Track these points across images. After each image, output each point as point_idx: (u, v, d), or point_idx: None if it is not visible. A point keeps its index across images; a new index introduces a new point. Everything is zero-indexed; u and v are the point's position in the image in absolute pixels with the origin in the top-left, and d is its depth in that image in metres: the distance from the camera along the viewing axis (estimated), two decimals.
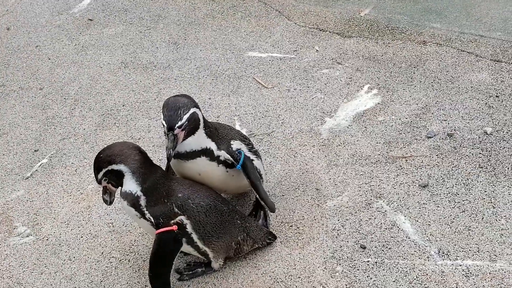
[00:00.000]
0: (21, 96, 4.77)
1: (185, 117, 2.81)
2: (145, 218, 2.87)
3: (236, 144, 3.11)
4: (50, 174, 3.96)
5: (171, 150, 2.82)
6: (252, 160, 3.19)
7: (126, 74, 4.85)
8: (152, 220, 2.85)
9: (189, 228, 2.89)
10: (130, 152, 2.84)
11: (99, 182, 2.90)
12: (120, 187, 2.92)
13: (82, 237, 3.50)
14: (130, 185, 2.84)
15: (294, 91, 4.38)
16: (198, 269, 3.16)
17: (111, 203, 3.01)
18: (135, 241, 3.42)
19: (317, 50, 4.81)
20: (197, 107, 2.91)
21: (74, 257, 3.39)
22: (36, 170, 4.02)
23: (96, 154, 2.86)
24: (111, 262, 3.32)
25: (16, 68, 5.12)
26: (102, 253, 3.39)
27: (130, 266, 3.28)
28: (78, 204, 3.72)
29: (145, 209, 2.85)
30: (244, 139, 3.23)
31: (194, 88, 4.56)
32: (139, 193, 2.84)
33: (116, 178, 2.86)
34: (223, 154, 3.01)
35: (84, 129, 4.31)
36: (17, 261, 3.41)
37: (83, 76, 4.89)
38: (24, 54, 5.29)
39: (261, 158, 3.33)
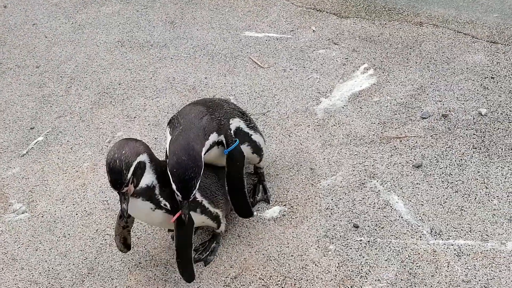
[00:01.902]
0: (17, 74, 4.77)
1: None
2: (160, 207, 2.81)
3: (235, 122, 3.10)
4: (46, 152, 3.98)
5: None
6: (251, 135, 3.19)
7: (123, 53, 4.84)
8: (168, 206, 2.82)
9: (198, 197, 2.90)
10: (139, 143, 2.74)
11: (128, 183, 2.62)
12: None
13: (77, 214, 3.52)
14: (148, 177, 2.74)
15: (290, 71, 4.39)
16: (212, 245, 3.19)
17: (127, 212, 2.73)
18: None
19: (313, 31, 4.80)
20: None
21: (69, 234, 3.41)
22: (32, 147, 4.03)
23: (109, 157, 2.61)
24: (105, 240, 3.35)
25: (13, 46, 5.11)
26: (96, 230, 3.41)
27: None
28: (73, 181, 3.74)
29: (159, 196, 2.79)
30: (243, 115, 3.21)
31: (190, 67, 4.56)
32: (155, 181, 2.77)
33: (140, 172, 2.70)
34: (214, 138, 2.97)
35: (80, 107, 4.32)
36: (12, 237, 3.43)
37: (79, 55, 4.89)
38: (20, 32, 5.28)
39: (260, 132, 3.31)
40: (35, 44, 5.10)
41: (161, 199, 2.79)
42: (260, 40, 4.78)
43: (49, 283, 3.18)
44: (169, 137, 2.88)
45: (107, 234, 3.38)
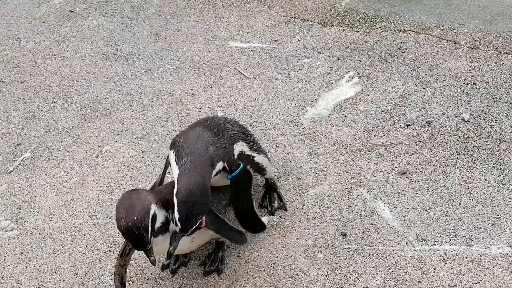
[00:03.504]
0: (2, 89, 4.76)
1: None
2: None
3: (238, 147, 3.10)
4: (33, 168, 3.97)
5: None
6: (253, 157, 3.19)
7: (108, 66, 4.85)
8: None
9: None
10: (143, 195, 2.69)
11: (150, 240, 2.61)
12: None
13: (66, 230, 3.51)
14: (160, 216, 2.71)
15: (275, 81, 4.42)
16: (219, 254, 3.18)
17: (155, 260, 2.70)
18: (119, 233, 3.38)
19: (298, 40, 4.84)
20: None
21: (59, 250, 3.40)
22: (19, 164, 4.02)
23: (122, 224, 2.56)
24: (95, 255, 3.35)
25: None
26: (86, 245, 3.40)
27: (114, 258, 3.28)
28: (61, 197, 3.73)
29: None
30: (246, 138, 3.21)
31: (176, 79, 4.58)
32: (166, 214, 2.74)
33: (155, 223, 2.66)
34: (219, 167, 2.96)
35: (67, 122, 4.32)
36: (1, 255, 3.42)
37: (64, 69, 4.89)
38: (4, 47, 5.28)
39: (263, 153, 3.31)
40: (19, 59, 5.10)
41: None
42: (245, 51, 4.81)
43: None
44: (174, 164, 2.85)
45: (96, 249, 3.37)
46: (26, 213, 3.65)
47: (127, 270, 3.07)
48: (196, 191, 2.68)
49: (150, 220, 2.59)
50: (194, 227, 2.70)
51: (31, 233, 3.52)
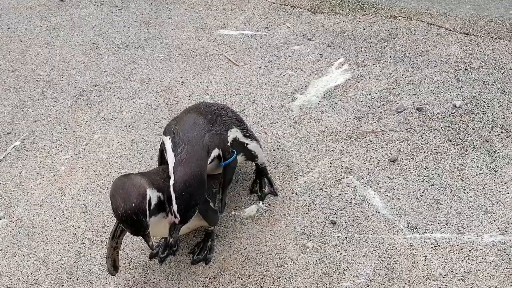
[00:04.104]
0: None
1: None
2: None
3: (232, 133, 3.11)
4: (23, 157, 3.96)
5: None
6: (247, 144, 3.21)
7: (98, 55, 4.82)
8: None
9: None
10: (137, 180, 2.68)
11: (148, 225, 2.62)
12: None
13: (55, 218, 3.51)
14: (154, 197, 2.71)
15: (265, 69, 4.39)
16: (207, 243, 3.18)
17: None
18: (107, 221, 3.43)
19: (288, 27, 4.81)
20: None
21: (47, 239, 3.40)
22: (9, 152, 4.00)
23: (119, 211, 2.56)
24: (84, 243, 3.34)
25: None
26: (75, 234, 3.40)
27: (103, 247, 3.29)
28: (51, 186, 3.72)
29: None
30: (240, 124, 3.23)
31: (165, 67, 4.55)
32: (159, 195, 2.75)
33: (150, 205, 2.67)
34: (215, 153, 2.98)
35: (57, 110, 4.30)
36: None
37: (55, 58, 4.86)
38: None
39: (256, 140, 3.33)
40: (10, 48, 5.06)
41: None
42: (235, 38, 4.78)
43: None
44: (171, 152, 2.85)
45: (85, 238, 3.37)
46: (16, 202, 3.65)
47: (119, 253, 3.05)
48: (193, 183, 2.71)
49: (147, 204, 2.59)
50: (192, 217, 2.75)
51: (20, 222, 3.52)
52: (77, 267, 3.22)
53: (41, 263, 3.28)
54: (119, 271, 3.05)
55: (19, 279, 3.21)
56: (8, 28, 5.32)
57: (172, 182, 2.71)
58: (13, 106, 4.39)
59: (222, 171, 3.08)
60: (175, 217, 2.70)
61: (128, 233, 2.80)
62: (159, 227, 2.78)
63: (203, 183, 2.77)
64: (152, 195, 2.68)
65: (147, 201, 2.61)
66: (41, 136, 4.09)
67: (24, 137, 4.11)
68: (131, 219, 2.55)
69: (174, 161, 2.79)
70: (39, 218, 3.52)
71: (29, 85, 4.59)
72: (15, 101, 4.45)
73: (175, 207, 2.67)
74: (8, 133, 4.16)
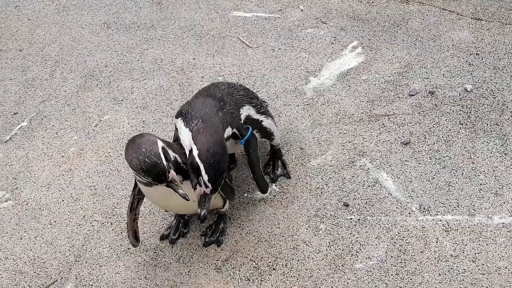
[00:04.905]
0: None
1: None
2: (186, 177, 2.76)
3: (244, 111, 3.10)
4: (30, 137, 3.94)
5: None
6: (261, 121, 3.20)
7: (109, 35, 4.81)
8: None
9: None
10: (145, 134, 2.69)
11: (169, 169, 2.59)
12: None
13: (63, 200, 3.50)
14: (171, 155, 2.69)
15: (278, 51, 4.38)
16: (220, 225, 3.18)
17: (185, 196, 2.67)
18: (117, 204, 3.43)
19: (301, 10, 4.79)
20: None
21: (55, 221, 3.38)
22: (16, 133, 3.99)
23: (136, 162, 2.56)
24: (93, 226, 3.33)
25: None
26: (83, 216, 3.39)
27: (112, 229, 3.29)
28: (59, 167, 3.71)
29: (184, 165, 2.75)
30: (251, 101, 3.20)
31: (178, 48, 4.54)
32: (175, 155, 2.73)
33: (167, 156, 2.64)
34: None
35: (65, 91, 4.29)
36: None
37: (64, 37, 4.85)
38: (2, 15, 5.22)
39: (271, 116, 3.32)
40: (18, 26, 5.05)
41: (185, 167, 2.76)
42: (248, 20, 4.76)
43: (35, 272, 3.14)
44: (184, 128, 2.82)
45: (94, 220, 3.36)
46: (22, 183, 3.63)
47: (139, 224, 3.07)
48: (218, 150, 2.68)
49: (160, 149, 2.58)
50: (222, 184, 2.73)
51: (27, 204, 3.50)
52: (86, 250, 3.21)
53: (49, 246, 3.26)
54: (140, 242, 3.08)
55: (25, 262, 3.19)
56: (16, 6, 5.30)
57: (196, 152, 2.66)
58: (20, 86, 4.38)
59: (245, 150, 3.06)
60: (206, 187, 2.65)
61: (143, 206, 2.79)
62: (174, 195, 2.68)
63: (226, 148, 2.75)
64: (165, 147, 2.65)
65: (160, 147, 2.59)
66: (49, 117, 4.08)
67: (32, 117, 4.10)
68: (146, 164, 2.52)
69: (191, 133, 2.75)
70: (47, 200, 3.51)
71: (37, 65, 4.58)
72: (22, 80, 4.44)
73: (205, 177, 2.62)
74: (14, 114, 4.14)
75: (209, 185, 2.63)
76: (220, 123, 2.85)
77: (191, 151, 2.69)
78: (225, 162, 2.70)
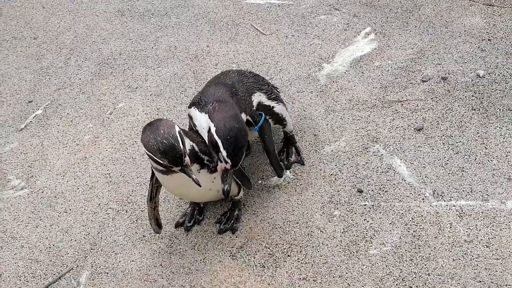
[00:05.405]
0: (14, 46, 4.76)
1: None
2: (203, 165, 2.80)
3: (256, 98, 3.12)
4: (45, 126, 3.97)
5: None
6: (273, 107, 3.21)
7: (123, 22, 4.83)
8: (210, 162, 2.82)
9: None
10: (162, 119, 2.69)
11: (185, 153, 2.58)
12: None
13: (78, 188, 3.52)
14: (187, 142, 2.70)
15: (292, 38, 4.39)
16: (234, 213, 3.20)
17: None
18: (132, 191, 3.45)
19: None
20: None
21: (70, 209, 3.41)
22: (31, 121, 4.02)
23: (152, 144, 2.55)
24: (108, 214, 3.35)
25: (9, 17, 5.09)
26: (99, 204, 3.41)
27: (128, 217, 3.31)
28: (74, 155, 3.73)
29: (201, 154, 2.78)
30: (262, 87, 3.21)
31: (191, 36, 4.56)
32: (192, 143, 2.75)
33: (183, 140, 2.62)
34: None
35: (80, 78, 4.32)
36: (11, 214, 3.42)
37: (78, 25, 4.87)
38: (17, 3, 5.25)
39: (281, 101, 3.33)
40: (33, 14, 5.07)
41: (203, 156, 2.79)
42: (262, 7, 4.77)
43: (51, 261, 3.17)
44: (199, 113, 2.84)
45: (109, 208, 3.38)
46: (37, 172, 3.66)
47: (159, 212, 3.10)
48: (235, 124, 2.68)
49: (177, 132, 2.58)
50: (243, 159, 2.73)
51: (42, 192, 3.53)
52: (101, 238, 3.23)
53: (64, 234, 3.28)
54: (162, 228, 3.12)
55: (41, 250, 3.22)
56: None
57: (213, 129, 2.68)
58: (35, 74, 4.41)
59: (260, 136, 3.09)
60: (226, 163, 2.67)
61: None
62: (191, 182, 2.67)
63: (243, 123, 2.75)
64: (182, 132, 2.65)
65: (178, 132, 2.59)
66: (63, 105, 4.11)
67: (46, 105, 4.12)
68: (164, 146, 2.52)
69: (207, 115, 2.77)
70: (62, 188, 3.53)
71: (51, 53, 4.61)
72: (37, 68, 4.46)
73: (224, 153, 2.64)
74: (29, 102, 4.17)
75: (228, 160, 2.65)
76: (235, 104, 2.86)
77: (209, 130, 2.72)
78: (244, 137, 2.70)
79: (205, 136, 2.78)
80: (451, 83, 3.80)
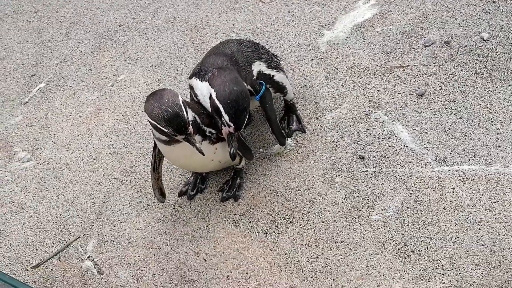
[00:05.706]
0: (15, 20, 4.75)
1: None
2: (205, 137, 2.82)
3: (256, 67, 3.10)
4: (48, 98, 3.99)
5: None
6: (273, 76, 3.19)
7: None
8: (212, 133, 2.85)
9: None
10: (165, 88, 2.69)
11: (189, 122, 2.60)
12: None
13: (82, 160, 3.56)
14: (189, 112, 2.71)
15: (291, 5, 4.34)
16: (236, 181, 3.21)
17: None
18: (136, 161, 3.48)
19: None
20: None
21: (76, 180, 3.46)
22: (34, 95, 4.04)
23: (157, 112, 2.56)
24: (112, 184, 3.40)
25: None
26: (103, 175, 3.45)
27: (132, 187, 3.35)
28: (77, 127, 3.76)
29: (203, 125, 2.81)
30: (262, 56, 3.19)
31: (190, 5, 4.52)
32: (193, 114, 2.76)
33: (187, 110, 2.62)
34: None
35: (81, 51, 4.31)
36: (18, 186, 3.48)
37: None
38: None
39: (282, 70, 3.31)
40: None
41: (205, 127, 2.81)
42: None
43: (58, 230, 3.24)
44: (199, 82, 2.85)
45: (114, 178, 3.42)
46: (42, 144, 3.70)
47: (163, 182, 3.13)
48: (235, 87, 2.69)
49: (181, 101, 2.59)
50: (245, 122, 2.74)
51: (47, 164, 3.57)
52: (106, 207, 3.28)
53: (70, 204, 3.34)
54: (166, 197, 3.15)
55: (48, 220, 3.29)
56: None
57: (214, 94, 2.68)
58: (37, 48, 4.42)
59: (261, 106, 3.08)
60: (229, 126, 2.68)
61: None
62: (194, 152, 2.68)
63: (244, 85, 2.75)
64: (184, 102, 2.65)
65: (182, 100, 2.60)
66: (66, 78, 4.12)
67: (49, 79, 4.14)
68: (168, 114, 2.53)
69: (207, 82, 2.78)
70: (67, 160, 3.58)
71: (52, 26, 4.60)
72: (39, 42, 4.46)
73: (226, 117, 2.65)
74: (32, 75, 4.19)
75: (231, 124, 2.66)
76: (235, 71, 2.86)
77: (210, 96, 2.72)
78: (245, 99, 2.69)
79: (208, 104, 2.79)
80: (454, 47, 3.75)
